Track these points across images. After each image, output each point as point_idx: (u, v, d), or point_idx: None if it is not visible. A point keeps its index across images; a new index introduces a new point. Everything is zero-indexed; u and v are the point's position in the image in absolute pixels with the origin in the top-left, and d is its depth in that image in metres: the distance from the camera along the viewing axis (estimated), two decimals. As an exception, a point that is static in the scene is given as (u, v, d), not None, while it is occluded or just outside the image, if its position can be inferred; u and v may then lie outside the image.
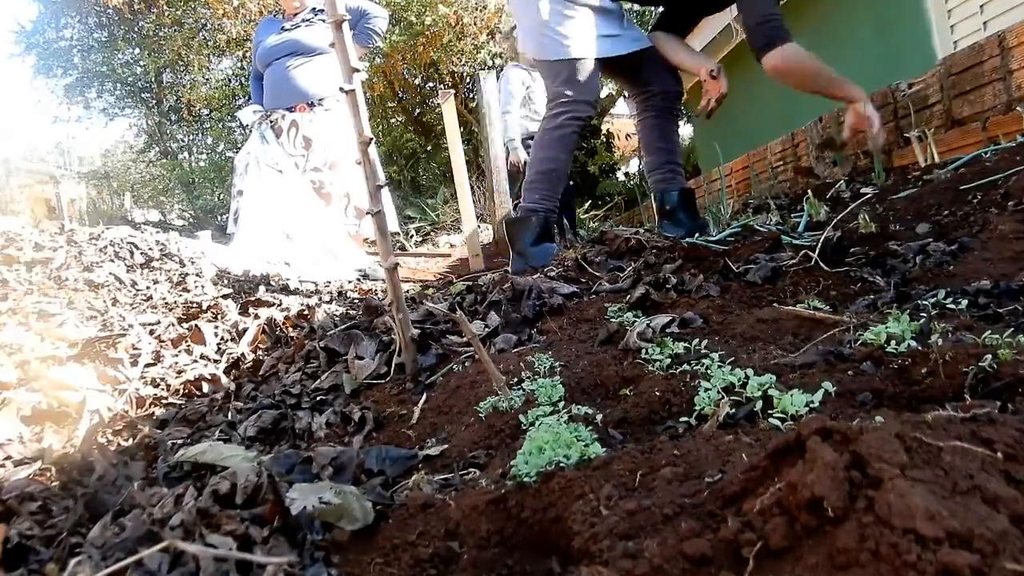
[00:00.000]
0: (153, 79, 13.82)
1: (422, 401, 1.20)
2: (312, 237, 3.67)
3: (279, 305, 2.11)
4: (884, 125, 3.19)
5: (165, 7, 12.04)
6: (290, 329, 1.90)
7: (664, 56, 2.57)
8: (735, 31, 5.28)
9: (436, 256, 7.17)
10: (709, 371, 0.97)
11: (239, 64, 12.82)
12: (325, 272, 3.27)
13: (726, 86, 2.48)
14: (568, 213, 4.86)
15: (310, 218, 3.72)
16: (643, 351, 1.12)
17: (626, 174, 12.25)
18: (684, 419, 0.88)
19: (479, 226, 6.43)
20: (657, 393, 0.96)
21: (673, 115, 2.65)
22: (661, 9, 2.69)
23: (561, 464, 0.72)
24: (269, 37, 3.96)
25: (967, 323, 1.00)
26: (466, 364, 1.31)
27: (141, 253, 2.74)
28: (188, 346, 1.76)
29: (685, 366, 1.03)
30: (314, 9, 3.92)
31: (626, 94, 3.24)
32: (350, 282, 3.09)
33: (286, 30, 3.97)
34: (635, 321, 1.26)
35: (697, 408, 0.88)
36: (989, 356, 0.80)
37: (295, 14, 3.97)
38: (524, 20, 2.56)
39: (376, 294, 2.62)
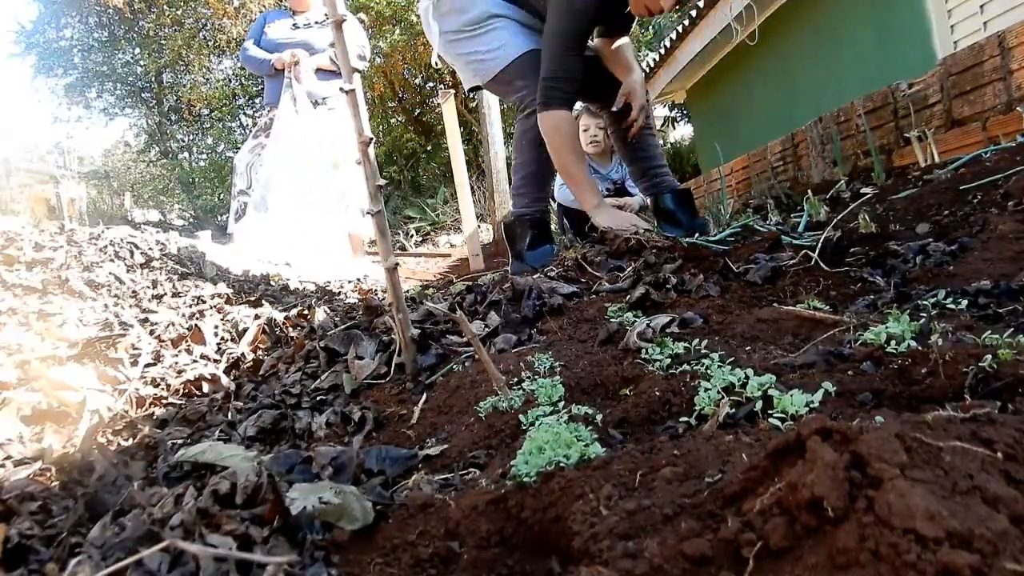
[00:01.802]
0: (153, 79, 13.84)
1: (422, 401, 1.20)
2: (318, 229, 3.69)
3: (279, 305, 2.11)
4: (883, 126, 3.19)
5: (165, 7, 12.06)
6: (290, 329, 1.90)
7: (606, 63, 2.53)
8: (735, 31, 5.28)
9: (436, 256, 7.18)
10: (709, 371, 0.97)
11: (239, 64, 12.82)
12: (325, 272, 3.27)
13: (637, 109, 2.43)
14: (571, 220, 4.80)
15: (324, 203, 3.75)
16: (643, 351, 1.12)
17: (626, 174, 12.24)
18: (684, 419, 0.88)
19: (479, 226, 6.44)
20: (657, 393, 0.96)
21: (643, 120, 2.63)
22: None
23: (561, 464, 0.72)
24: (278, 31, 3.98)
25: (967, 323, 1.00)
26: (466, 364, 1.31)
27: (141, 253, 2.74)
28: (188, 346, 1.76)
29: (685, 366, 1.03)
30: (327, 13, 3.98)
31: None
32: (350, 282, 3.09)
33: (297, 28, 3.99)
34: (635, 321, 1.26)
35: (697, 408, 0.88)
36: (989, 356, 0.80)
37: (303, 12, 4.01)
38: (457, 63, 2.53)
39: (376, 294, 2.62)
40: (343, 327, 1.64)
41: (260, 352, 1.79)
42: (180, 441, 1.24)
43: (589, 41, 2.64)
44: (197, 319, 1.91)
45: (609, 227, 2.14)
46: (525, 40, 2.36)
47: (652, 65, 7.99)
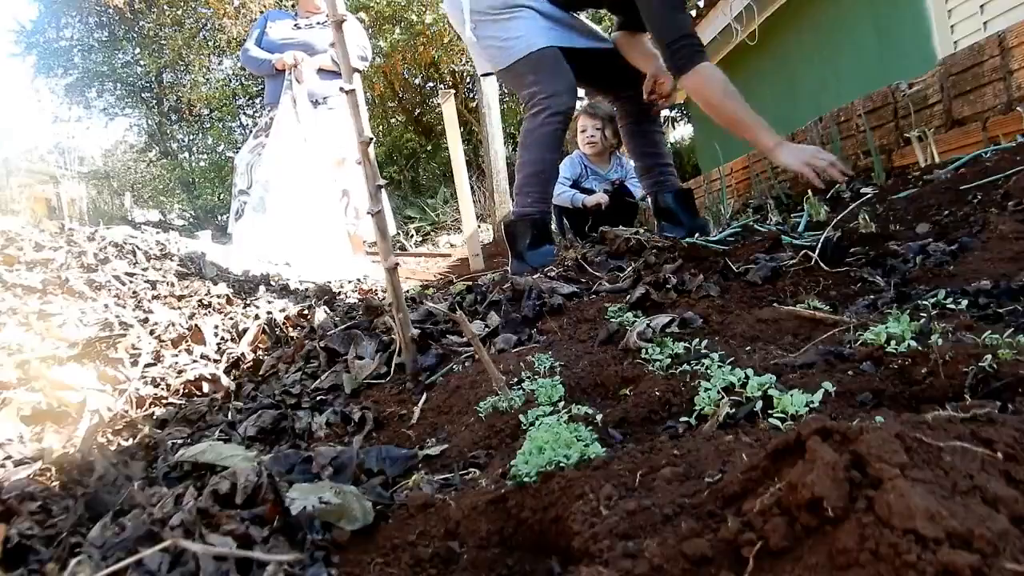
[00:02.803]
0: (153, 79, 13.84)
1: (422, 401, 1.20)
2: (318, 229, 3.70)
3: (279, 305, 2.11)
4: (883, 126, 3.18)
5: (165, 7, 12.05)
6: (290, 329, 1.91)
7: (627, 57, 2.54)
8: (735, 31, 5.28)
9: (436, 256, 7.18)
10: (709, 371, 0.97)
11: (239, 64, 12.83)
12: (325, 272, 3.27)
13: (669, 87, 2.45)
14: (571, 220, 4.78)
15: (323, 203, 3.76)
16: (643, 351, 1.12)
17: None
18: (684, 419, 0.88)
19: (479, 226, 6.44)
20: (657, 393, 0.96)
21: (651, 116, 2.64)
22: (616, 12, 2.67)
23: (561, 464, 0.72)
24: (279, 31, 3.98)
25: (967, 323, 1.00)
26: (466, 364, 1.31)
27: (141, 253, 2.74)
28: (188, 346, 1.76)
29: (685, 366, 1.03)
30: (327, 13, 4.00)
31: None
32: (350, 282, 3.09)
33: (298, 28, 3.99)
34: (635, 321, 1.26)
35: (697, 408, 0.88)
36: (989, 356, 0.80)
37: (311, 14, 4.02)
38: (473, 45, 2.53)
39: (376, 294, 2.62)
40: (343, 327, 1.64)
41: (260, 352, 1.79)
42: (180, 441, 1.24)
43: (608, 34, 2.65)
44: (197, 319, 1.91)
45: (795, 163, 2.03)
46: (544, 36, 2.36)
47: (652, 65, 7.97)
